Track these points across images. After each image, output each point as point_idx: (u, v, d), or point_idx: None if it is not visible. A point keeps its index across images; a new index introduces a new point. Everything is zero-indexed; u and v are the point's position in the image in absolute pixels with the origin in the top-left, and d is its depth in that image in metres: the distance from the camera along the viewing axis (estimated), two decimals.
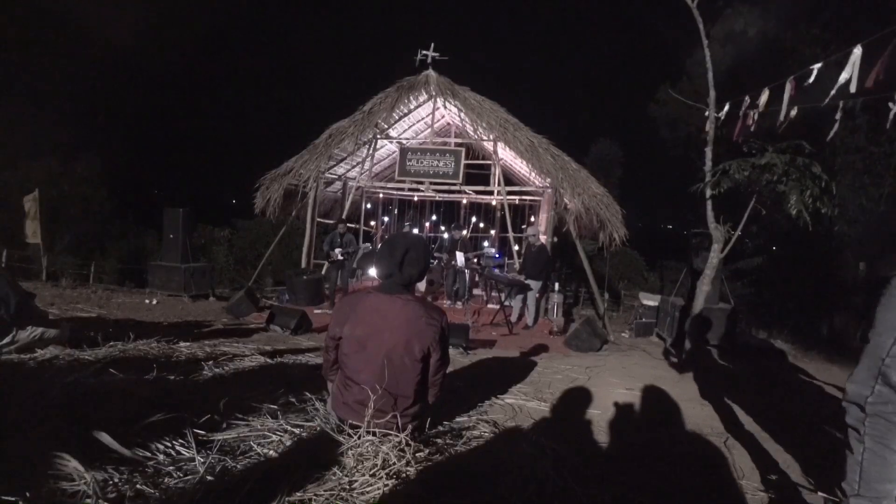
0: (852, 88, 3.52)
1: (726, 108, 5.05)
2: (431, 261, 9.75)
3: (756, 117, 4.70)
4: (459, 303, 8.22)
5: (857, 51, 3.53)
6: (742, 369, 4.63)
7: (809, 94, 4.09)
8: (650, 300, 7.43)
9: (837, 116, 4.08)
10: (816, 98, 3.99)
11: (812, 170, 4.37)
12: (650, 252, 15.89)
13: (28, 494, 1.21)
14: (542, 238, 8.19)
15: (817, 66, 3.91)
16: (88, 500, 1.23)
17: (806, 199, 4.34)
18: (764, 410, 2.92)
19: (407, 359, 1.87)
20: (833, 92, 3.63)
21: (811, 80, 3.94)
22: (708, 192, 4.99)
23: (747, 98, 4.74)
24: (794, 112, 4.25)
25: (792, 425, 2.58)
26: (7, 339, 2.88)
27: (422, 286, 8.49)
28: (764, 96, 4.44)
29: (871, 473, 1.42)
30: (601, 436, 2.34)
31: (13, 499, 1.17)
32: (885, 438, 1.40)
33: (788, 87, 4.14)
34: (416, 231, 11.13)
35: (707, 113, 5.19)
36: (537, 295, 7.22)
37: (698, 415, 2.81)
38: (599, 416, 2.65)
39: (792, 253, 11.79)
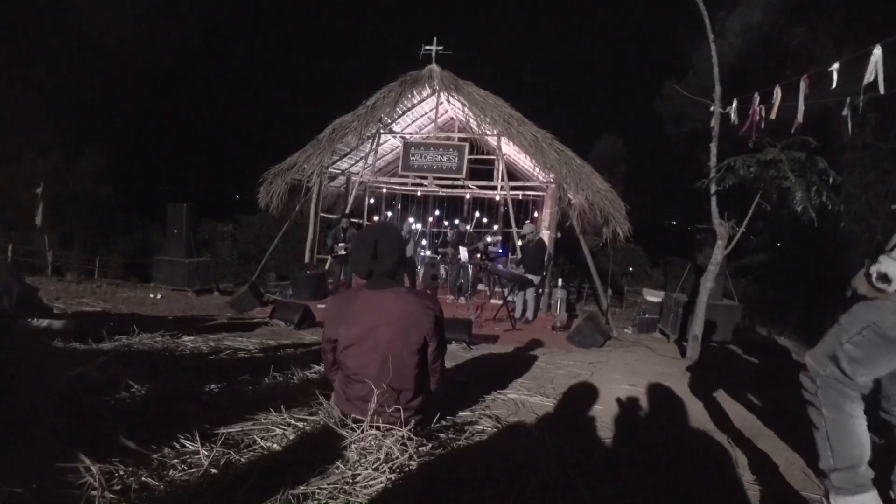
0: (881, 90, 3.44)
1: (734, 104, 5.01)
2: (434, 256, 9.77)
3: (764, 113, 4.66)
4: (462, 298, 8.23)
5: (878, 51, 3.42)
6: (745, 366, 4.61)
7: (821, 91, 4.05)
8: (653, 296, 7.42)
9: (845, 113, 4.02)
10: (828, 95, 3.94)
11: (818, 165, 4.33)
12: (654, 248, 15.82)
13: (34, 487, 1.22)
14: (545, 234, 8.18)
15: (836, 65, 3.85)
16: (94, 493, 1.23)
17: (811, 194, 4.30)
18: (767, 407, 2.91)
19: (406, 351, 1.87)
20: (863, 96, 3.56)
21: (834, 85, 3.86)
22: (713, 188, 4.96)
23: (757, 95, 4.70)
24: (801, 110, 4.21)
25: (795, 422, 2.57)
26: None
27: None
28: (777, 96, 4.39)
29: (838, 442, 1.46)
30: (604, 432, 2.34)
31: (19, 491, 1.18)
32: (838, 405, 1.48)
33: (803, 86, 4.09)
34: (418, 225, 11.12)
35: (712, 108, 5.14)
36: (540, 290, 7.22)
37: (701, 411, 2.80)
38: (602, 412, 2.65)
39: (797, 250, 11.72)
